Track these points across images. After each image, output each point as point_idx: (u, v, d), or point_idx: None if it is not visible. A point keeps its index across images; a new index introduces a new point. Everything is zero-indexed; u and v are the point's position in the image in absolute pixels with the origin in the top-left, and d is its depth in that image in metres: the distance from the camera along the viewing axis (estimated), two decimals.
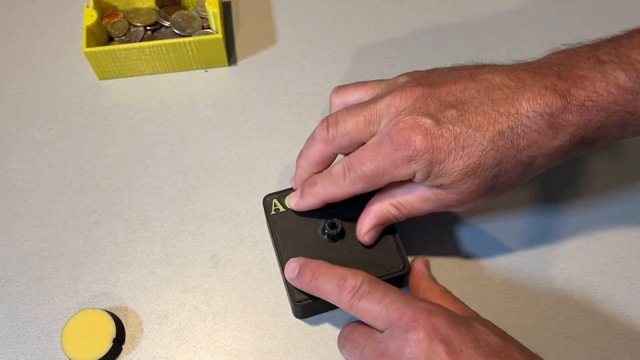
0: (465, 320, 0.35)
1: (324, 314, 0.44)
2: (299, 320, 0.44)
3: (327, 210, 0.43)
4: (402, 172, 0.38)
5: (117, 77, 0.55)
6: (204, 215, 0.48)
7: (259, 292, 0.45)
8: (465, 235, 0.47)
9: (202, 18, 0.56)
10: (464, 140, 0.36)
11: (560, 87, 0.37)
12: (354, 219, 0.43)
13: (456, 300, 0.40)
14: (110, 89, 0.54)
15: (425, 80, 0.39)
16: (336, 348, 0.43)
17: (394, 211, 0.41)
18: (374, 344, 0.36)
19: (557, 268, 0.46)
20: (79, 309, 0.45)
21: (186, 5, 0.57)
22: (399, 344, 0.34)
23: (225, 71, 0.55)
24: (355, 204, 0.42)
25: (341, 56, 0.56)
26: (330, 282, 0.38)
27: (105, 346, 0.42)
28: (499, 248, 0.47)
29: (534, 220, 0.48)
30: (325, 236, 0.43)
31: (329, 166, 0.42)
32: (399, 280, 0.42)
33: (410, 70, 0.42)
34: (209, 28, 0.55)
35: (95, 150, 0.51)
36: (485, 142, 0.36)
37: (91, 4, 0.54)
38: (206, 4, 0.53)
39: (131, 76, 0.55)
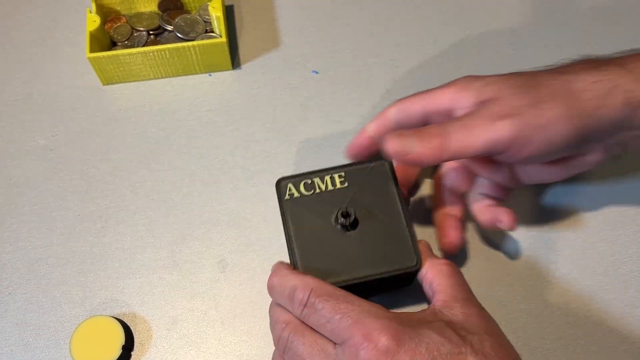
0: (417, 332, 0.34)
1: None
2: None
3: (345, 199, 0.42)
4: None
5: (121, 82, 0.55)
6: (210, 219, 0.48)
7: (267, 296, 0.45)
8: (472, 236, 0.47)
9: (205, 22, 0.55)
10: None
11: None
12: (374, 208, 0.41)
13: (462, 279, 0.40)
14: (114, 94, 0.54)
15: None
16: None
17: None
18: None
19: (565, 268, 0.46)
20: (87, 316, 0.45)
21: (189, 9, 0.57)
22: None
23: (229, 75, 0.55)
24: (379, 194, 0.42)
25: (345, 59, 0.56)
26: (282, 297, 0.38)
27: (115, 353, 0.42)
28: (507, 249, 0.47)
29: (541, 221, 0.48)
30: (338, 225, 0.41)
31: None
32: (411, 276, 0.41)
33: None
34: (213, 32, 0.55)
35: (99, 155, 0.51)
36: None
37: (94, 8, 0.53)
38: (209, 8, 0.53)
39: (135, 81, 0.55)
